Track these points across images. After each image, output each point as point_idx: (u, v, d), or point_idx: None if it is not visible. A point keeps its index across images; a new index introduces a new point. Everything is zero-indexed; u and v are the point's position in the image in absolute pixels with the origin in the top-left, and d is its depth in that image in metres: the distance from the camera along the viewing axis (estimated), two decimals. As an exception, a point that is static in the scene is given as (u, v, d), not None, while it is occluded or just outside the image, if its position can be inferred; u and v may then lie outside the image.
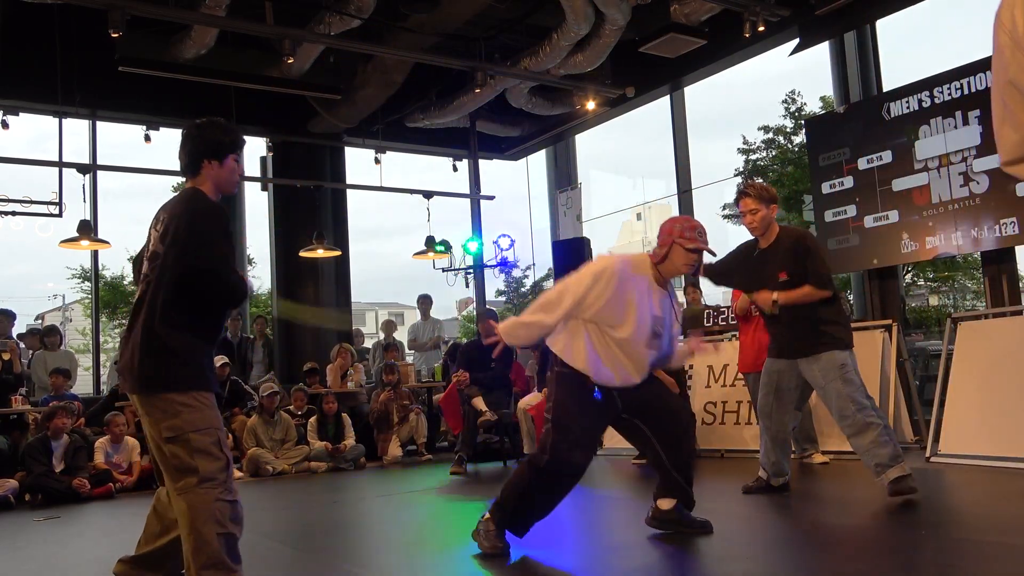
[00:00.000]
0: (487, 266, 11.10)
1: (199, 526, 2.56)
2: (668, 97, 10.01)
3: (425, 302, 10.61)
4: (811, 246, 4.37)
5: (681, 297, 9.41)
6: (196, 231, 2.67)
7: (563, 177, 11.87)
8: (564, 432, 3.40)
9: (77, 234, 8.23)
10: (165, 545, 2.81)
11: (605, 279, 3.33)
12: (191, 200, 2.77)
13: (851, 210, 7.49)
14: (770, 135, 17.12)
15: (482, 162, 11.39)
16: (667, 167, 13.00)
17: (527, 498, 3.45)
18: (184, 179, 2.94)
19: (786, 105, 16.83)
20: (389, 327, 10.71)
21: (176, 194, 3.01)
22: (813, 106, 16.67)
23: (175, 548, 2.73)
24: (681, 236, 3.45)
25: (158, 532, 2.84)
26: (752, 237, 4.58)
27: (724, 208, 19.09)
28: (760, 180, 5.07)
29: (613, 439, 7.40)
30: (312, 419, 7.98)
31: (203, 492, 2.59)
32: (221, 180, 2.85)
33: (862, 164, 7.39)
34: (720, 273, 4.76)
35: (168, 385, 2.64)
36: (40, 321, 29.57)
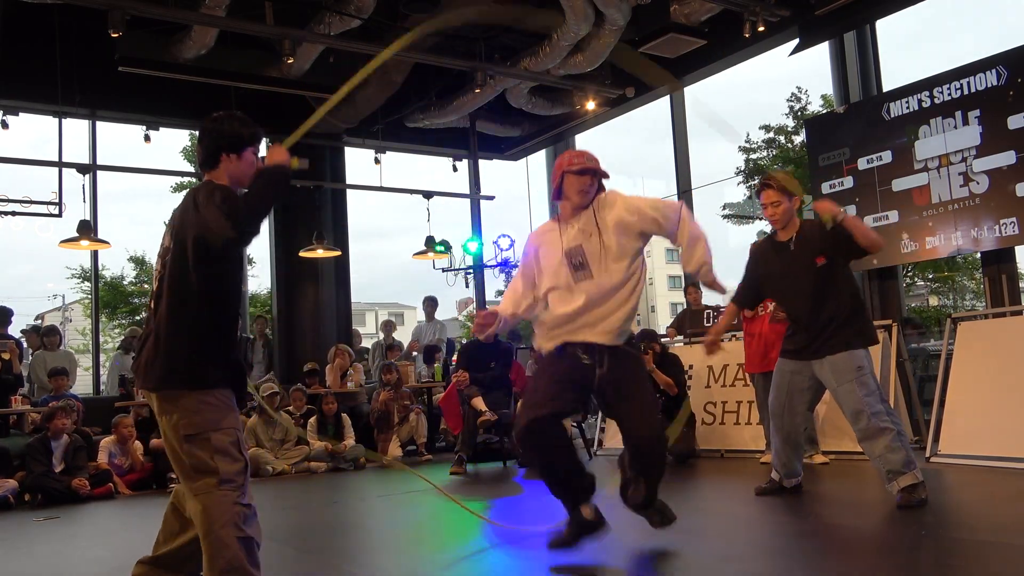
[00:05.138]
0: (487, 266, 11.10)
1: (217, 529, 2.47)
2: (668, 97, 10.01)
3: (431, 304, 10.61)
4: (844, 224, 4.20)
5: (680, 296, 9.39)
6: (200, 207, 2.56)
7: (563, 177, 11.84)
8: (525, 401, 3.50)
9: (77, 234, 8.23)
10: (184, 544, 2.71)
11: (523, 255, 3.60)
12: (200, 190, 2.65)
13: (851, 210, 7.49)
14: (771, 135, 17.10)
15: (482, 162, 11.38)
16: (667, 167, 12.94)
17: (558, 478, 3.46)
18: (194, 175, 2.85)
19: (791, 104, 16.82)
20: (389, 327, 10.71)
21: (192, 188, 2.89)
22: (813, 106, 16.68)
23: (195, 548, 2.62)
24: (569, 164, 3.43)
25: (176, 531, 2.74)
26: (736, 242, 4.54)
27: (724, 208, 19.08)
28: (782, 170, 4.91)
29: (614, 439, 7.40)
30: (312, 419, 7.98)
31: (222, 494, 2.50)
32: (239, 174, 2.75)
33: (862, 164, 7.40)
34: (748, 289, 4.65)
35: (188, 383, 2.56)
36: (40, 321, 29.59)
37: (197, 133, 2.81)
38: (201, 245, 2.55)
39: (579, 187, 3.39)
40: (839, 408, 4.40)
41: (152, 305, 2.69)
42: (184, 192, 3.10)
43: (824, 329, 4.22)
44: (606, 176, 3.46)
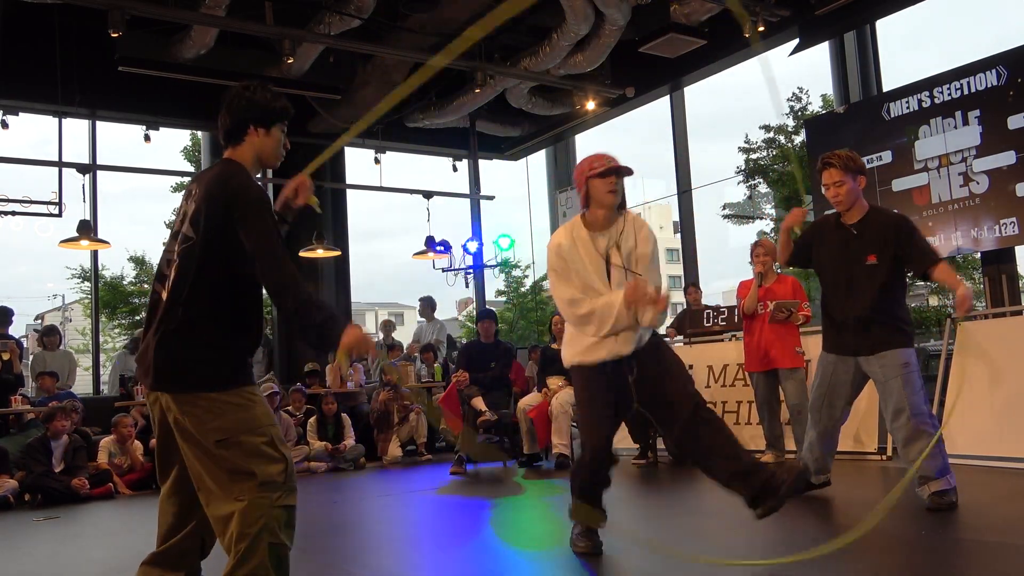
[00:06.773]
0: (487, 266, 11.10)
1: (250, 534, 2.31)
2: (668, 97, 10.01)
3: (427, 304, 10.60)
4: (913, 228, 4.02)
5: (680, 296, 9.39)
6: (244, 227, 2.36)
7: (563, 177, 11.87)
8: (584, 425, 3.51)
9: (77, 234, 8.24)
10: (183, 539, 2.56)
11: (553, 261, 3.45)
12: (229, 181, 2.44)
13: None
14: (771, 134, 17.09)
15: (482, 162, 11.39)
16: (667, 167, 13.00)
17: (586, 488, 3.50)
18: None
19: (791, 104, 16.80)
20: (388, 327, 10.71)
21: (211, 166, 2.65)
22: (813, 106, 16.67)
23: (193, 543, 2.54)
24: (591, 169, 3.38)
25: (172, 528, 2.58)
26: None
27: (724, 208, 19.07)
28: (846, 152, 4.38)
29: (620, 443, 7.40)
30: (312, 419, 7.98)
31: (261, 497, 2.34)
32: (266, 151, 2.56)
33: (862, 164, 7.39)
34: (799, 248, 4.39)
35: (210, 384, 2.37)
36: (40, 321, 29.62)
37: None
38: (244, 255, 2.37)
39: (606, 188, 3.35)
40: (880, 404, 4.23)
41: (164, 298, 2.45)
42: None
43: (861, 326, 4.05)
44: (629, 172, 3.41)
